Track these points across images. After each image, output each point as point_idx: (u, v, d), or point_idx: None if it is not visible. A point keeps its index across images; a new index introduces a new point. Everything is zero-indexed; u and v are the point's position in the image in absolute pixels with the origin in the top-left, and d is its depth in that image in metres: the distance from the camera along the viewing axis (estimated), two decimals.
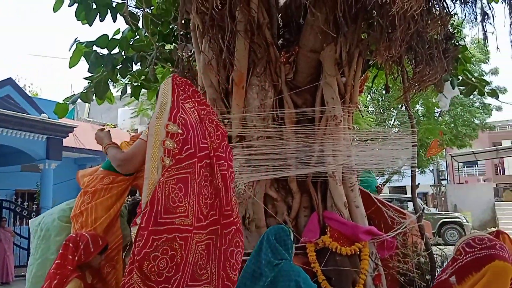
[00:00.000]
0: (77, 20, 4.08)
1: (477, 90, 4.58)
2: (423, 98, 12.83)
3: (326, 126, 3.47)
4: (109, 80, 4.43)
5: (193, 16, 3.59)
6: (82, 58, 4.26)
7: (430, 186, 24.74)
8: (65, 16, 28.04)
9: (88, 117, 17.70)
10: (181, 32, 3.99)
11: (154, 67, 4.47)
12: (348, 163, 3.48)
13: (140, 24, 4.25)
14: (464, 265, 2.04)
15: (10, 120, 9.31)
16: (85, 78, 4.42)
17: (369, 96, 14.96)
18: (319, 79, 3.58)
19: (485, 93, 4.70)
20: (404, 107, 4.55)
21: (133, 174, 3.43)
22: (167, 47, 4.51)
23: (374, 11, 3.08)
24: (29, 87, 23.09)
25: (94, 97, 4.56)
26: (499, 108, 16.41)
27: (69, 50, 4.15)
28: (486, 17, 3.37)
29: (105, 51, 4.27)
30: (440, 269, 3.67)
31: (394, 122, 13.86)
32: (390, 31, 2.93)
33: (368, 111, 14.29)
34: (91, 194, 3.27)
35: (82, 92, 4.48)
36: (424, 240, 3.77)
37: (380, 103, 15.77)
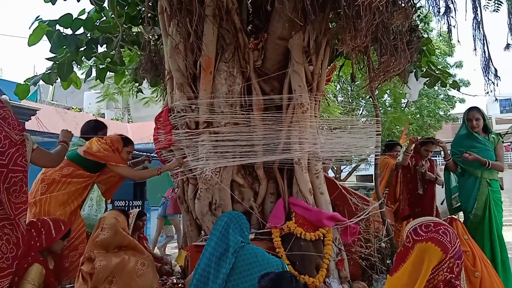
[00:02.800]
0: None
1: (440, 81, 4.72)
2: (390, 88, 13.09)
3: (293, 113, 3.50)
4: (73, 61, 4.30)
5: None
6: (45, 38, 4.12)
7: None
8: None
9: (52, 100, 17.13)
10: (149, 15, 3.92)
11: (121, 49, 4.37)
12: (314, 151, 3.53)
13: (106, 5, 4.14)
14: (409, 249, 2.12)
15: None
16: (47, 59, 4.27)
17: (338, 86, 15.13)
18: (287, 66, 3.59)
19: (448, 85, 4.85)
20: (370, 97, 4.64)
21: (97, 172, 3.39)
22: (134, 29, 4.40)
23: (341, 0, 3.11)
24: None
25: (59, 80, 4.42)
26: (462, 101, 16.93)
27: (29, 28, 4.00)
28: (449, 10, 3.46)
29: (69, 32, 4.13)
30: None
31: (362, 111, 14.11)
32: (356, 21, 2.97)
33: (337, 101, 14.47)
34: (47, 184, 3.22)
35: (44, 73, 4.33)
36: (386, 226, 3.89)
37: (348, 93, 16.00)
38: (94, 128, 3.93)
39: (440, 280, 1.99)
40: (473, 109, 4.35)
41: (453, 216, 3.82)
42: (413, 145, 5.03)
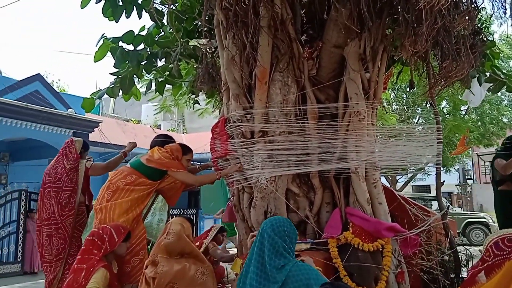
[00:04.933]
0: (103, 16, 4.17)
1: (505, 86, 4.47)
2: (449, 95, 12.55)
3: (349, 122, 3.45)
4: (134, 75, 4.52)
5: (217, 12, 3.62)
6: (108, 54, 4.37)
7: (456, 185, 24.19)
8: (92, 13, 28.55)
9: (113, 113, 18.03)
10: (205, 28, 4.04)
11: (178, 63, 4.54)
12: (371, 159, 3.45)
13: (165, 21, 4.32)
14: (492, 264, 1.99)
15: (38, 115, 9.58)
16: (111, 74, 4.52)
17: (392, 94, 14.73)
18: (342, 74, 3.56)
19: None
20: (429, 104, 4.46)
21: (159, 180, 3.53)
22: (191, 43, 4.56)
23: (399, 6, 3.04)
24: (56, 82, 23.70)
25: (120, 93, 4.66)
26: None
27: (96, 46, 4.25)
28: None
29: (130, 47, 4.36)
30: (465, 268, 3.61)
31: (418, 120, 13.62)
32: (415, 26, 2.89)
33: (391, 108, 14.08)
34: (112, 192, 3.39)
35: (108, 87, 4.59)
36: (449, 239, 3.71)
37: (404, 100, 15.52)
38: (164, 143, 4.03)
39: None
40: None
41: None
42: None
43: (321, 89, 3.63)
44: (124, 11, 4.09)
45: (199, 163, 4.39)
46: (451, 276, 3.50)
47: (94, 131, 10.95)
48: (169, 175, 3.51)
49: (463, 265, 3.69)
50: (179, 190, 3.78)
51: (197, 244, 4.23)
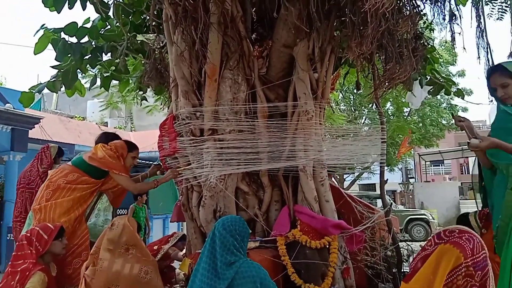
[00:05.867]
0: (44, 6, 3.94)
1: (444, 89, 4.71)
2: (393, 97, 13.11)
3: (298, 121, 3.49)
4: (78, 69, 4.31)
5: (166, 6, 3.54)
6: (50, 47, 4.14)
7: (399, 184, 25.33)
8: (33, 2, 27.04)
9: (56, 109, 17.19)
10: (153, 23, 3.93)
11: (125, 58, 4.39)
12: (319, 158, 3.51)
13: (111, 13, 4.16)
14: (431, 252, 2.08)
15: None
16: (52, 67, 4.27)
17: (340, 95, 15.15)
18: (291, 74, 3.59)
19: (452, 93, 4.84)
20: (374, 105, 4.62)
21: (102, 178, 3.39)
22: (139, 37, 4.42)
23: (346, 8, 3.11)
24: None
25: (63, 88, 4.43)
26: (465, 109, 16.94)
27: (34, 36, 4.02)
28: (453, 18, 3.47)
29: (74, 40, 4.15)
30: (407, 263, 3.77)
31: (365, 120, 14.11)
32: (361, 28, 2.97)
33: (339, 109, 14.49)
34: (52, 191, 3.23)
35: (49, 81, 4.34)
36: (392, 235, 3.86)
37: (351, 101, 16.02)
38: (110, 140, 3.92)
39: (460, 285, 1.93)
40: (494, 72, 2.79)
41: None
42: None
43: (270, 88, 3.64)
44: (67, 1, 3.89)
45: (147, 162, 4.28)
46: (394, 270, 3.64)
47: (34, 127, 10.37)
48: (110, 177, 3.39)
49: (404, 260, 3.85)
50: (124, 191, 3.67)
51: (156, 248, 4.15)
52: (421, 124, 16.18)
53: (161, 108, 5.29)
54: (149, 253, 3.12)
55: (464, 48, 3.59)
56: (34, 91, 4.32)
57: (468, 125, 2.75)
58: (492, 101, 4.07)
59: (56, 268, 3.00)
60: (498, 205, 2.60)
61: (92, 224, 3.85)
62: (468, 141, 2.65)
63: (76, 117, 15.09)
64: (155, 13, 3.88)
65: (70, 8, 3.90)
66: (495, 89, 2.73)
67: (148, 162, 4.99)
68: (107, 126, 15.46)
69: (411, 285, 2.04)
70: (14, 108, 9.83)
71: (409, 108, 14.70)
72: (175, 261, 4.28)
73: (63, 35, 4.10)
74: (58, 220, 3.15)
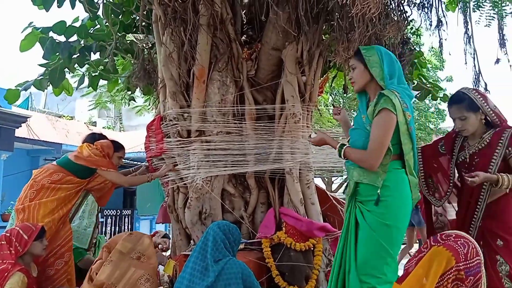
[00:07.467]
0: (33, 5, 3.91)
1: (431, 94, 4.76)
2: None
3: (285, 123, 3.51)
4: (66, 68, 4.28)
5: (155, 7, 3.53)
6: (38, 45, 4.10)
7: None
8: (21, 0, 26.71)
9: (44, 108, 17.00)
10: (143, 23, 3.93)
11: (114, 57, 4.37)
12: (305, 161, 3.53)
13: (100, 13, 4.14)
14: (425, 253, 2.11)
15: None
16: (40, 65, 4.25)
17: (330, 98, 15.23)
18: (280, 77, 3.61)
19: (438, 98, 4.89)
20: None
21: (87, 178, 3.37)
22: (128, 37, 4.40)
23: (335, 12, 3.14)
24: None
25: (50, 87, 4.39)
26: None
27: (21, 33, 3.99)
28: (440, 24, 3.51)
29: (62, 39, 4.12)
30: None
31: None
32: (349, 32, 3.00)
33: (330, 112, 14.56)
34: (36, 191, 3.19)
35: (36, 79, 4.31)
36: None
37: (341, 104, 16.11)
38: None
39: None
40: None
41: None
42: None
43: (259, 90, 3.65)
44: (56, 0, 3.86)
45: (135, 163, 4.26)
46: None
47: (21, 126, 10.25)
48: (99, 174, 3.36)
49: None
50: (110, 190, 3.64)
51: None
52: None
53: (149, 109, 5.28)
54: (157, 263, 3.13)
55: (449, 54, 3.63)
56: (20, 89, 4.27)
57: (342, 118, 2.71)
58: None
59: (38, 269, 2.97)
60: None
61: (76, 226, 3.79)
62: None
63: (64, 116, 14.95)
64: (145, 13, 3.88)
65: (59, 6, 3.87)
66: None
67: (137, 162, 4.97)
68: (95, 126, 15.34)
69: (404, 287, 2.06)
70: (0, 107, 9.70)
71: None
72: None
73: (51, 34, 4.07)
74: (41, 220, 3.11)
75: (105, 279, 2.74)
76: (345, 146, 2.24)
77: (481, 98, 2.57)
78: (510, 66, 4.09)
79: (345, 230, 2.26)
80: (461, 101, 2.61)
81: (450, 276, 1.99)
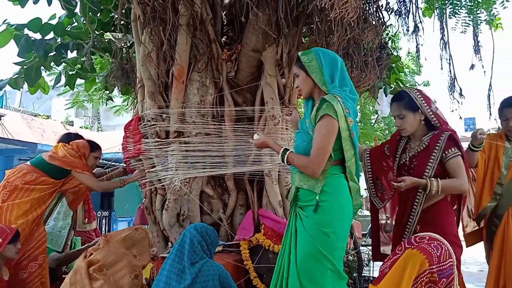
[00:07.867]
0: (7, 0, 3.82)
1: None
2: (361, 104, 13.37)
3: (264, 125, 3.51)
4: (42, 67, 4.19)
5: (134, 5, 3.50)
6: (13, 42, 4.00)
7: (364, 189, 25.81)
8: None
9: (19, 106, 16.59)
10: (121, 22, 3.88)
11: (92, 56, 4.29)
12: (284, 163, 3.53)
13: (78, 11, 4.06)
14: (400, 256, 2.14)
15: None
16: (15, 63, 4.15)
17: None
18: (260, 78, 3.61)
19: None
20: None
21: (62, 178, 3.29)
22: (106, 36, 4.34)
23: (314, 15, 3.17)
24: None
25: (25, 85, 4.29)
26: None
27: None
28: (417, 29, 3.58)
29: (38, 36, 4.03)
30: (367, 267, 3.85)
31: None
32: (328, 36, 3.03)
33: None
34: (9, 191, 3.11)
35: (11, 77, 4.21)
36: (353, 239, 3.93)
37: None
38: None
39: None
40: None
41: None
42: None
43: (238, 92, 3.65)
44: None
45: (112, 163, 4.19)
46: (354, 274, 3.70)
47: None
48: (73, 176, 3.30)
49: (365, 265, 3.93)
50: (83, 194, 3.57)
51: None
52: (387, 132, 16.56)
53: (127, 109, 5.21)
54: (147, 262, 3.09)
55: (425, 59, 3.71)
56: None
57: (293, 120, 2.80)
58: (453, 111, 4.23)
59: (10, 272, 2.88)
60: None
61: (50, 228, 3.70)
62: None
63: (40, 115, 14.62)
64: (123, 12, 3.82)
65: (35, 3, 3.80)
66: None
67: (115, 163, 4.89)
68: (72, 126, 15.07)
69: None
70: None
71: (376, 115, 15.02)
72: None
73: (26, 31, 3.98)
74: (14, 222, 3.03)
75: (100, 259, 2.70)
76: (288, 151, 2.22)
77: (422, 99, 2.57)
78: (485, 72, 4.20)
79: (287, 236, 2.25)
80: (401, 99, 2.62)
81: (424, 278, 2.02)
